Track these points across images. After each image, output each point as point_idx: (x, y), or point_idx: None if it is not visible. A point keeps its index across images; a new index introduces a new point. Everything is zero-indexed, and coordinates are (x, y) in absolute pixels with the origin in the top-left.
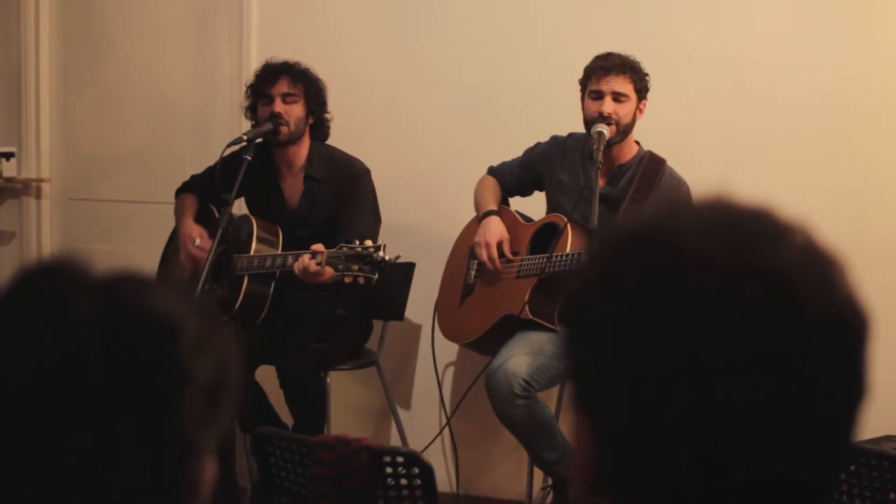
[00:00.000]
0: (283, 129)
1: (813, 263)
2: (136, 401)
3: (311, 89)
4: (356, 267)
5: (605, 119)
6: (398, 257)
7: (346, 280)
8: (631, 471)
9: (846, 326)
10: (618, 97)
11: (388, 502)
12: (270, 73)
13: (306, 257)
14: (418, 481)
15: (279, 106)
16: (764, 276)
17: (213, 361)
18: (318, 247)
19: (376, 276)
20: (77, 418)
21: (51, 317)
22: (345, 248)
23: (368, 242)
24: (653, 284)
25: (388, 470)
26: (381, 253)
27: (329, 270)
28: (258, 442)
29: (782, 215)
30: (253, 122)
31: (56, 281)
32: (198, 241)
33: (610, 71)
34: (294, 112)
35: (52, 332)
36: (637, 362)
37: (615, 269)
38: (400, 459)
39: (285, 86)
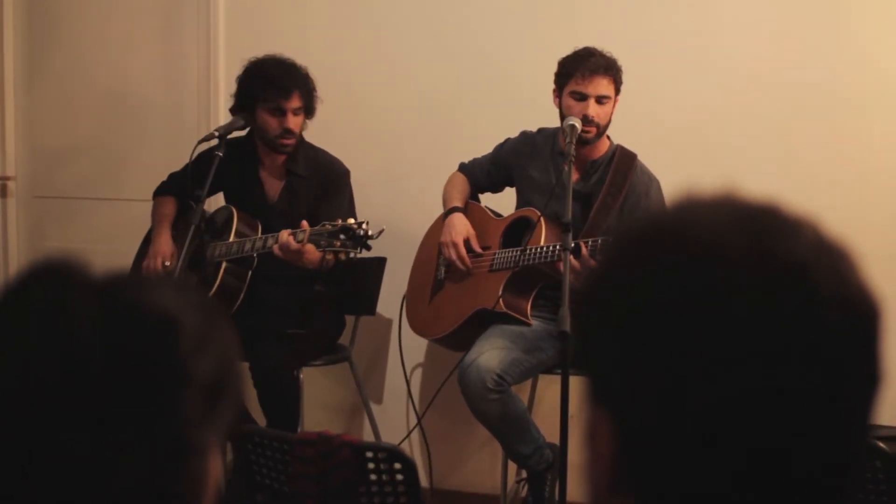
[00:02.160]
0: (291, 141)
1: (826, 255)
2: (136, 400)
3: (311, 100)
4: (338, 242)
5: (589, 122)
6: (382, 231)
7: (329, 257)
8: (653, 465)
9: (861, 316)
10: (600, 99)
11: (371, 498)
12: (285, 87)
13: (285, 233)
14: (400, 476)
15: (293, 122)
16: (781, 269)
17: (213, 360)
18: (303, 224)
19: (359, 251)
20: (75, 418)
21: (47, 317)
22: (327, 226)
23: (351, 220)
24: (672, 278)
25: (371, 465)
26: (364, 227)
27: (311, 249)
28: (238, 439)
29: (791, 210)
30: (236, 118)
31: (52, 281)
32: (168, 263)
33: (595, 72)
34: (300, 123)
35: (48, 332)
36: (659, 356)
37: (635, 265)
38: (382, 455)
39: (297, 101)
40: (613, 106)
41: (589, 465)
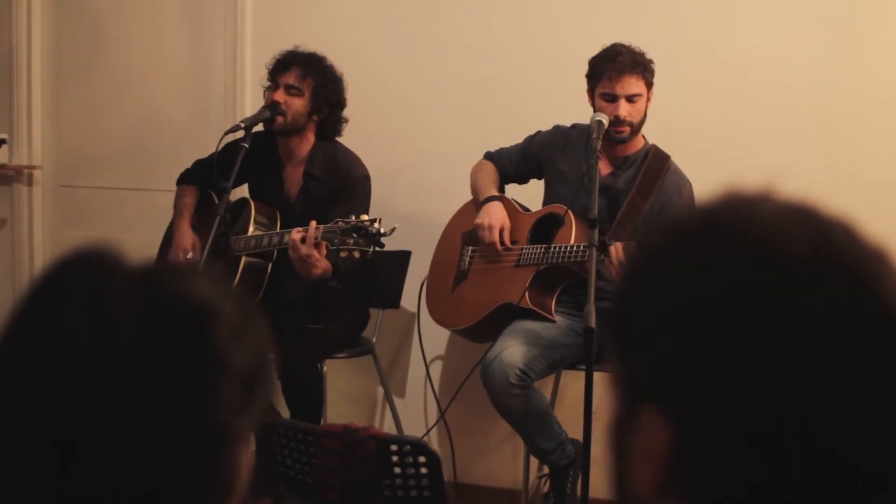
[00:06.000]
0: (279, 118)
1: (880, 255)
2: (172, 388)
3: (321, 87)
4: (351, 240)
5: (621, 122)
6: (394, 229)
7: (342, 254)
8: (711, 465)
9: None
10: (631, 98)
11: (395, 491)
12: (283, 61)
13: (294, 233)
14: (425, 470)
15: (280, 95)
16: (843, 269)
17: (249, 349)
18: (312, 223)
19: (372, 249)
20: (113, 405)
21: (87, 305)
22: (340, 223)
23: (364, 217)
24: (737, 277)
25: (395, 458)
26: (376, 225)
27: (325, 262)
28: (262, 429)
29: (826, 210)
30: (262, 108)
31: (91, 269)
32: (190, 255)
33: (622, 73)
34: (294, 105)
35: (88, 320)
36: (723, 355)
37: (695, 262)
38: (407, 448)
39: (292, 77)
40: (647, 101)
41: (631, 465)
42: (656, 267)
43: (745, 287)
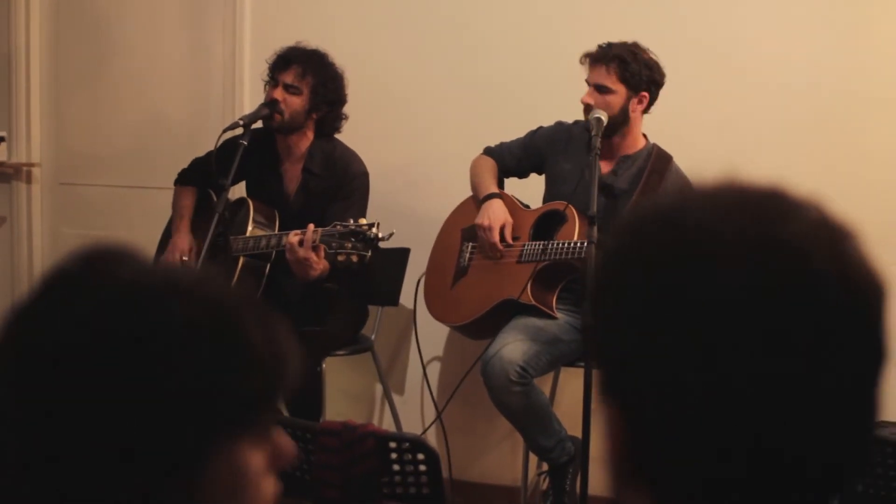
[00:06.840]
0: (277, 116)
1: (825, 234)
2: (171, 387)
3: (320, 86)
4: (349, 244)
5: (588, 109)
6: (392, 234)
7: (340, 258)
8: (664, 456)
9: (861, 293)
10: (599, 89)
11: (394, 488)
12: (284, 58)
13: (292, 235)
14: (423, 467)
15: (279, 93)
16: (777, 248)
17: (257, 365)
18: (309, 227)
19: (369, 254)
20: (111, 405)
21: (87, 306)
22: (338, 227)
23: (362, 220)
24: (669, 268)
25: (394, 456)
26: (374, 230)
27: (323, 262)
28: None
29: (794, 192)
30: (260, 106)
31: (91, 271)
32: (185, 259)
33: (596, 61)
34: (292, 104)
35: (87, 321)
36: (659, 346)
37: (633, 255)
38: (406, 445)
39: (291, 76)
40: (627, 101)
41: (607, 454)
42: (607, 262)
43: (677, 279)
